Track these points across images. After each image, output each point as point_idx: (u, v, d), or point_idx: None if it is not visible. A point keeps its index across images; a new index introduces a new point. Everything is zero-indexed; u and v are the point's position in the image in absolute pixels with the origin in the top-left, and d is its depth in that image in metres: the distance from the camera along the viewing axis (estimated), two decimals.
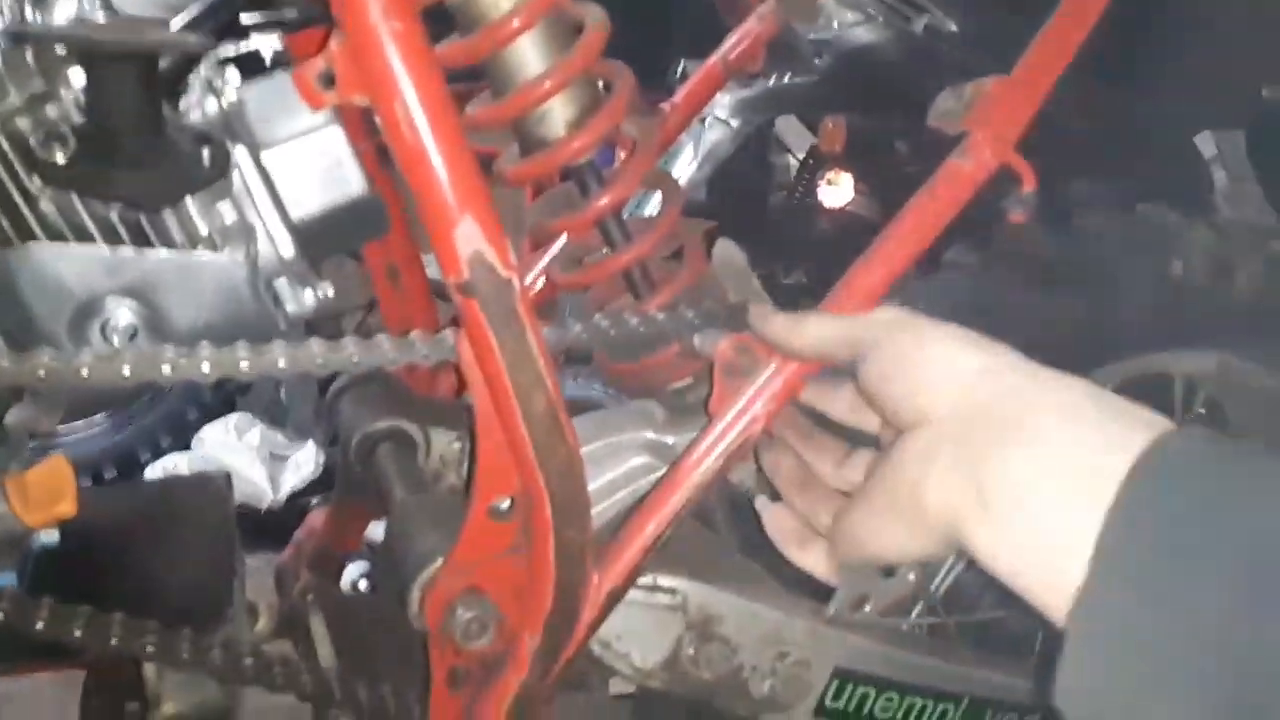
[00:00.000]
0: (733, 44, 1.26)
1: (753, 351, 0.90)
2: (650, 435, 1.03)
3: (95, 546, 0.94)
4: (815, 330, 0.77)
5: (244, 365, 0.76)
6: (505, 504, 0.83)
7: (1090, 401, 0.57)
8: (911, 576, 1.07)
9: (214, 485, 1.06)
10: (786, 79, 2.40)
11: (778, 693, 1.01)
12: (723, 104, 2.33)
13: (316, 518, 1.30)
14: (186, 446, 2.63)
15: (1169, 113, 1.94)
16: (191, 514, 1.02)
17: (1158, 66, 1.83)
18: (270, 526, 1.94)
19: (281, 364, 0.77)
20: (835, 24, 2.29)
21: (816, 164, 2.45)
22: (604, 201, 0.93)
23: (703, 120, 2.32)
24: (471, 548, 0.84)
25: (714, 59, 1.26)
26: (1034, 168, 1.24)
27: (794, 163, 2.61)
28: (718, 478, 0.90)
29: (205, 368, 0.75)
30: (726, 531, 1.18)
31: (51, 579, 0.89)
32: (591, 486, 0.96)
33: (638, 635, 0.97)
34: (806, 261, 2.48)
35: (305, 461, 2.58)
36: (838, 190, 2.44)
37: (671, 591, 0.97)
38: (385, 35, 0.66)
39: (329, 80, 0.68)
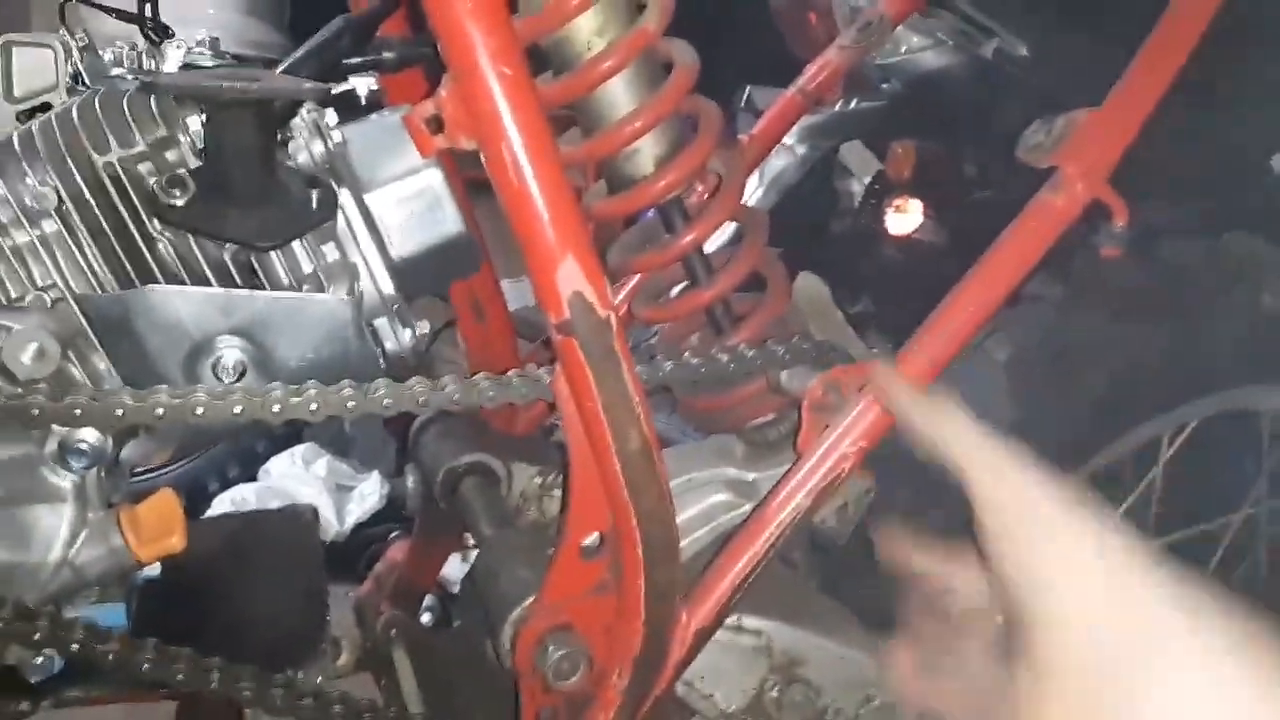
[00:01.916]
0: (811, 75, 1.26)
1: (841, 389, 0.90)
2: (731, 472, 1.03)
3: (194, 583, 0.95)
4: (943, 433, 0.65)
5: (350, 405, 0.78)
6: (596, 541, 0.84)
7: (1227, 650, 0.48)
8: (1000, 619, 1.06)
9: (303, 520, 1.08)
10: (853, 104, 2.40)
11: None
12: (789, 131, 2.33)
13: (397, 551, 1.32)
14: (254, 478, 2.67)
15: (1253, 135, 1.91)
16: (283, 548, 1.03)
17: (1240, 87, 1.80)
18: (336, 557, 1.96)
19: (387, 403, 0.79)
20: (903, 49, 2.29)
21: (884, 190, 2.44)
22: (690, 238, 0.94)
23: None
24: (562, 585, 0.85)
25: (792, 90, 1.26)
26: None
27: (858, 189, 2.60)
28: (807, 517, 0.90)
29: (313, 407, 0.77)
30: (807, 570, 1.17)
31: (154, 616, 0.90)
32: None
33: (722, 676, 0.97)
34: (873, 289, 2.47)
35: (370, 492, 2.60)
36: (905, 217, 2.42)
37: (757, 633, 0.97)
38: (494, 80, 0.67)
39: (438, 124, 0.70)
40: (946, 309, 0.90)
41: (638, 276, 1.10)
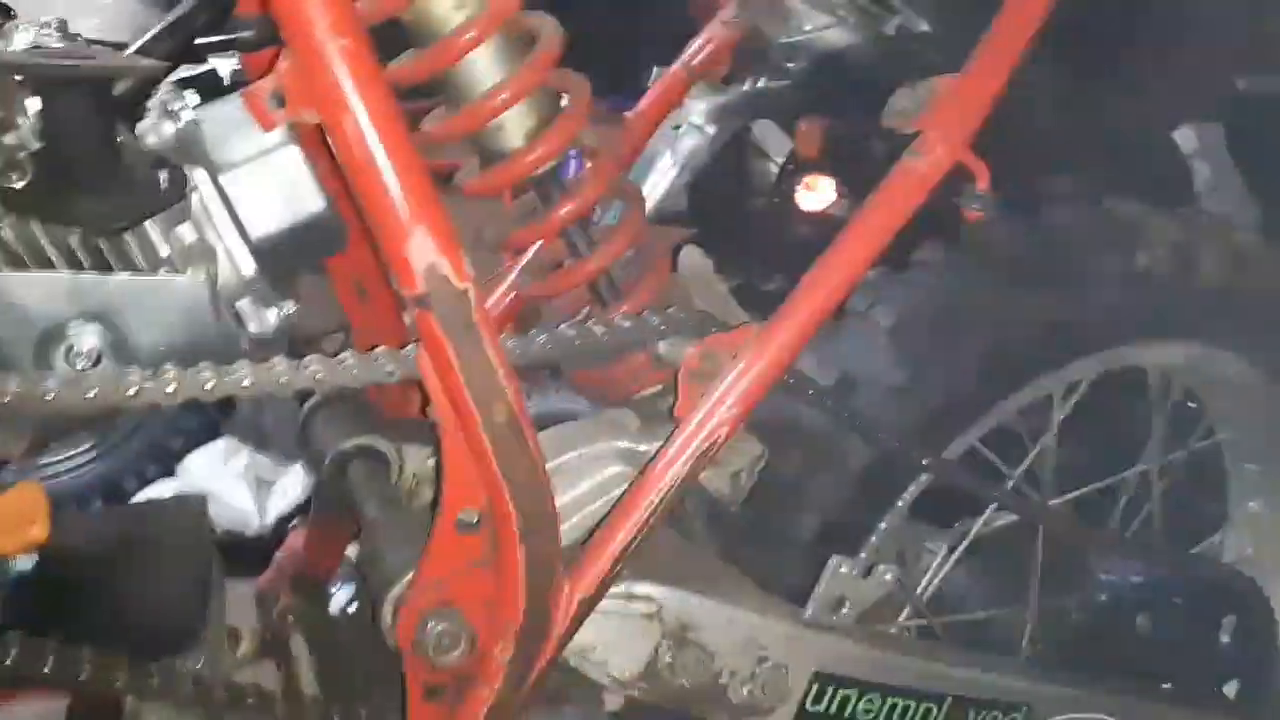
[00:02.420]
0: (696, 50, 1.27)
1: (717, 356, 0.91)
2: (624, 444, 1.03)
3: (71, 574, 0.94)
4: None
5: (208, 386, 0.76)
6: (473, 517, 0.84)
7: None
8: (889, 577, 1.08)
9: (190, 508, 1.06)
10: (760, 84, 2.41)
11: (757, 698, 1.01)
12: (697, 111, 2.34)
13: (296, 539, 1.30)
14: (173, 474, 2.63)
15: (1146, 108, 1.95)
16: (169, 538, 1.02)
17: (1134, 62, 1.84)
18: (258, 552, 1.93)
19: (246, 383, 0.78)
20: (806, 27, 2.30)
21: (795, 169, 2.45)
22: (565, 211, 0.94)
23: (677, 127, 2.33)
24: (440, 561, 0.85)
25: (677, 65, 1.27)
26: (1003, 164, 1.25)
27: (773, 169, 2.62)
28: (687, 483, 0.90)
29: (170, 389, 0.75)
30: (704, 539, 1.18)
31: (27, 608, 0.89)
32: (566, 498, 0.97)
33: (614, 645, 0.97)
34: (788, 266, 2.48)
35: (292, 485, 2.57)
36: (816, 194, 2.44)
37: (647, 599, 0.98)
38: (333, 52, 0.67)
39: (280, 99, 0.69)
40: (816, 274, 0.92)
41: (529, 254, 1.10)
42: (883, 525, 1.21)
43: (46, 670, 0.79)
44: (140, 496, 2.53)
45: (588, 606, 0.89)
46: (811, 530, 1.18)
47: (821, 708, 1.04)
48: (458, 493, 0.82)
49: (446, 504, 0.83)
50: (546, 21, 0.91)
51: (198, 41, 0.86)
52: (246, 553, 1.95)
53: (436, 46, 0.85)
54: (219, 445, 2.69)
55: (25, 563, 0.89)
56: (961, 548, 1.36)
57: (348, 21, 0.67)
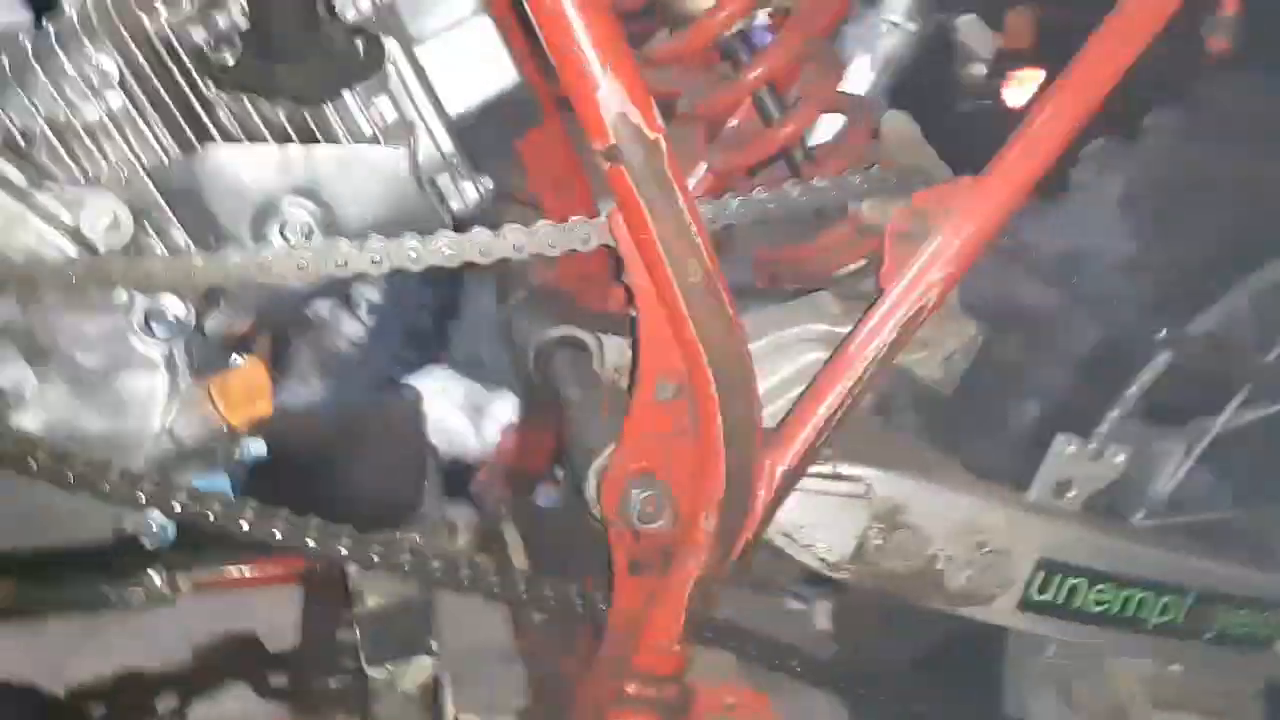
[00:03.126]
0: None
1: (926, 216, 0.85)
2: (824, 327, 0.99)
3: (301, 461, 0.99)
4: None
5: (412, 255, 0.78)
6: (671, 384, 0.82)
7: None
8: (1119, 459, 1.00)
9: (406, 399, 1.11)
10: None
11: (976, 584, 0.96)
12: (894, 7, 2.22)
13: (508, 439, 1.34)
14: None
15: None
16: (387, 424, 1.06)
17: None
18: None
19: (448, 252, 0.79)
20: None
21: (1004, 64, 2.29)
22: (755, 74, 0.90)
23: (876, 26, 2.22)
24: (641, 430, 0.84)
25: None
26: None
27: (980, 70, 2.46)
28: (894, 353, 0.85)
29: (375, 258, 0.77)
30: (918, 429, 1.13)
31: (263, 489, 0.94)
32: (765, 384, 0.94)
33: (822, 526, 0.94)
34: None
35: (505, 411, 2.66)
36: (1027, 90, 2.27)
37: (854, 480, 0.93)
38: None
39: None
40: (1035, 121, 0.84)
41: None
42: (1114, 413, 1.12)
43: (279, 538, 0.83)
44: None
45: (790, 480, 0.86)
46: (1034, 418, 1.11)
47: (1049, 596, 0.97)
48: (655, 359, 0.81)
49: (644, 372, 0.82)
50: None
51: None
52: (464, 477, 2.05)
53: None
54: (436, 373, 2.83)
55: (257, 446, 0.94)
56: (1203, 444, 1.25)
57: None
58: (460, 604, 1.06)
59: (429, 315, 2.77)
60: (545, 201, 1.09)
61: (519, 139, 0.99)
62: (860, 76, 2.30)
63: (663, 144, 0.72)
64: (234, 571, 1.12)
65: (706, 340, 0.78)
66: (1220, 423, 1.25)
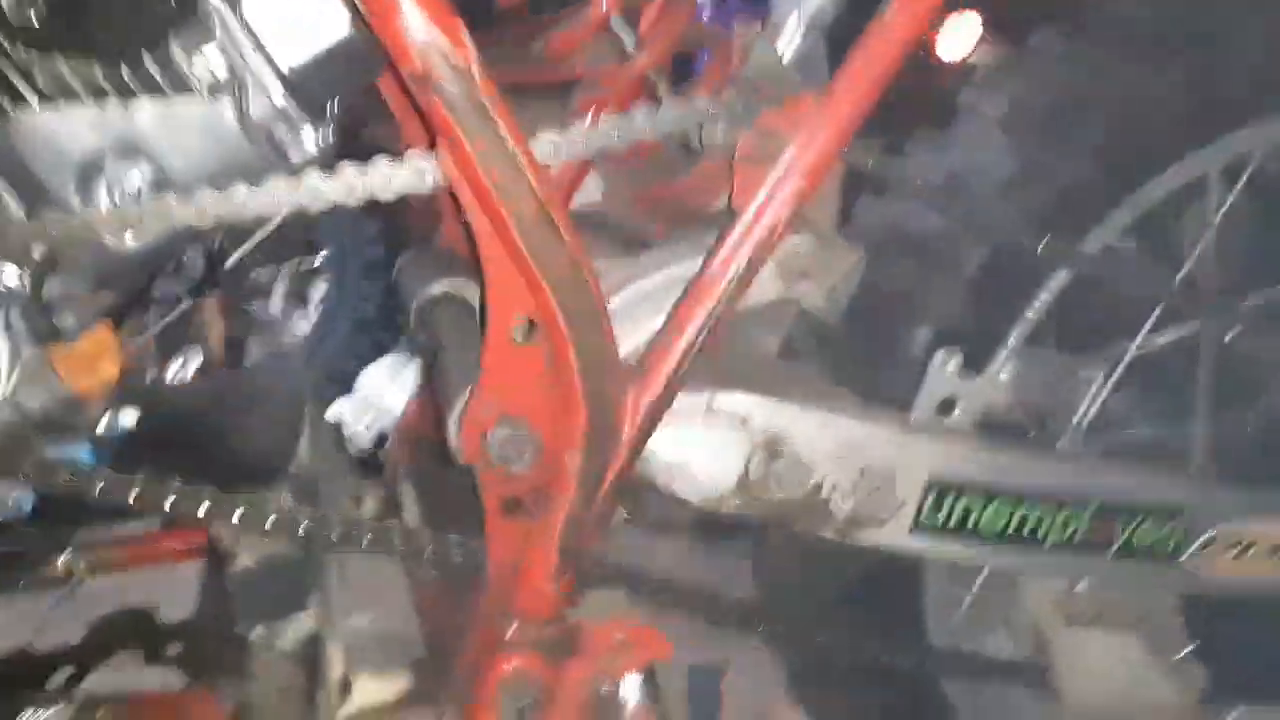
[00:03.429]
0: None
1: (775, 134, 0.83)
2: None
3: (171, 426, 0.98)
4: None
5: (239, 203, 0.76)
6: (523, 324, 0.80)
7: None
8: (1003, 376, 0.99)
9: (288, 363, 1.09)
10: None
11: (865, 510, 0.95)
12: None
13: (411, 407, 1.32)
14: (350, 391, 2.77)
15: None
16: (263, 394, 1.05)
17: None
18: None
19: (278, 199, 0.77)
20: None
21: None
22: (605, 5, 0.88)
23: None
24: (498, 372, 0.82)
25: None
26: None
27: None
28: (750, 274, 0.84)
29: (204, 209, 0.76)
30: (816, 363, 1.12)
31: (130, 457, 0.93)
32: (655, 321, 0.92)
33: (702, 459, 0.93)
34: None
35: None
36: (958, 38, 2.24)
37: (732, 411, 0.92)
38: None
39: None
40: (873, 30, 0.82)
41: None
42: (1013, 336, 1.11)
43: (135, 499, 0.82)
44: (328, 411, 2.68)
45: (655, 412, 0.84)
46: (926, 345, 1.09)
47: (940, 518, 0.96)
48: (502, 298, 0.79)
49: (493, 312, 0.80)
50: None
51: None
52: None
53: None
54: (387, 360, 2.81)
55: (127, 417, 0.93)
56: (1121, 367, 1.23)
57: None
58: (353, 564, 1.05)
59: (375, 305, 2.75)
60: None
61: (362, 88, 0.97)
62: (789, 35, 2.28)
63: (475, 70, 0.70)
64: (131, 550, 1.11)
65: (548, 273, 0.76)
66: (1134, 346, 1.23)
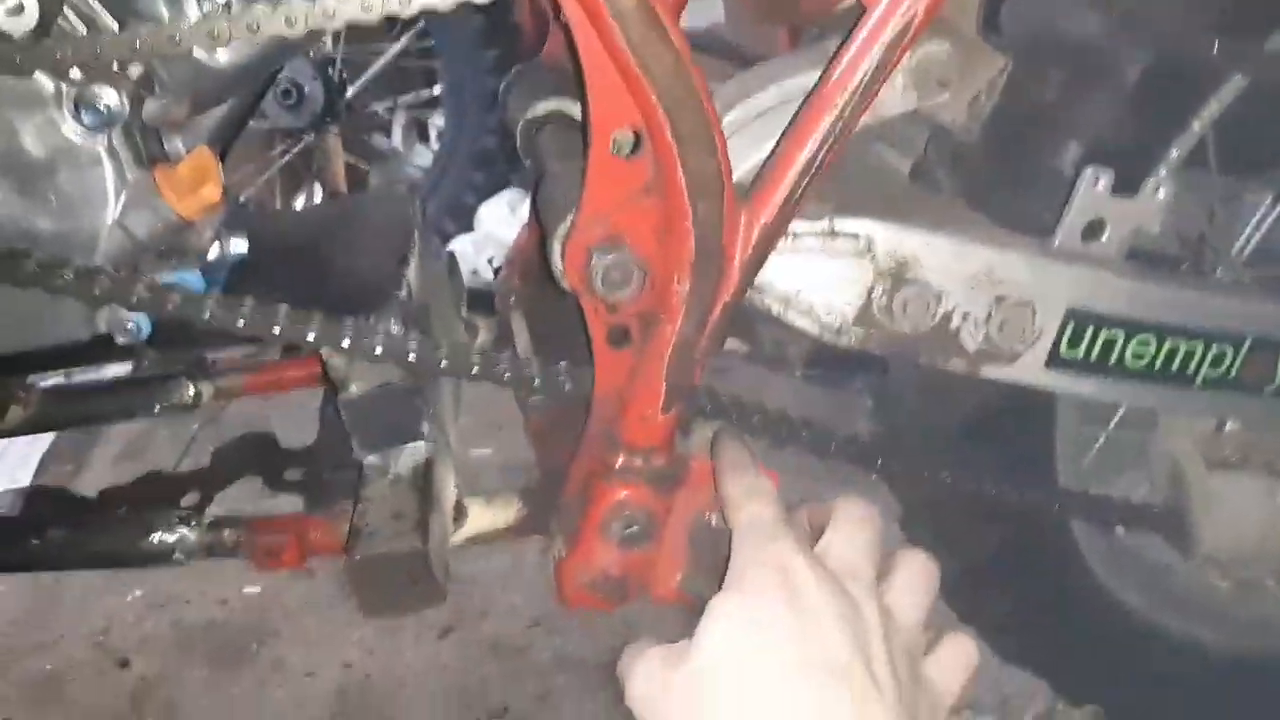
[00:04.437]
0: None
1: None
2: None
3: (281, 255, 0.97)
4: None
5: (329, 11, 0.72)
6: (627, 136, 0.75)
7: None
8: (1161, 194, 0.89)
9: (396, 195, 1.07)
10: None
11: (996, 342, 0.88)
12: None
13: (521, 234, 1.29)
14: (471, 228, 2.77)
15: None
16: (375, 223, 1.03)
17: None
18: None
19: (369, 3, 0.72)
20: None
21: None
22: None
23: None
24: (601, 191, 0.77)
25: None
26: None
27: None
28: (877, 83, 0.76)
29: (291, 18, 0.72)
30: (950, 187, 1.04)
31: (241, 284, 0.92)
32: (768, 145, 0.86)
33: (821, 288, 0.87)
34: None
35: None
36: None
37: (853, 236, 0.86)
38: None
39: None
40: None
41: None
42: (1174, 153, 1.00)
43: (243, 323, 0.81)
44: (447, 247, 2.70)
45: (770, 237, 0.78)
46: (1076, 164, 0.99)
47: (1079, 352, 0.89)
48: (605, 108, 0.74)
49: (595, 124, 0.75)
50: None
51: None
52: None
53: None
54: (505, 195, 2.79)
55: (238, 244, 0.92)
56: None
57: None
58: (468, 393, 1.05)
59: (495, 138, 2.72)
60: None
61: None
62: None
63: None
64: (252, 377, 1.13)
65: (654, 79, 0.70)
66: None
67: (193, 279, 0.87)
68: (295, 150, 2.93)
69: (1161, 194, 0.87)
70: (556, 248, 0.80)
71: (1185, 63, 0.95)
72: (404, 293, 0.91)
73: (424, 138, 3.18)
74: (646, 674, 0.60)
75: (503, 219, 2.75)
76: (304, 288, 0.93)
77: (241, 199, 2.72)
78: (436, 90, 2.97)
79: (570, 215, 0.80)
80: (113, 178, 0.80)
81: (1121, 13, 0.94)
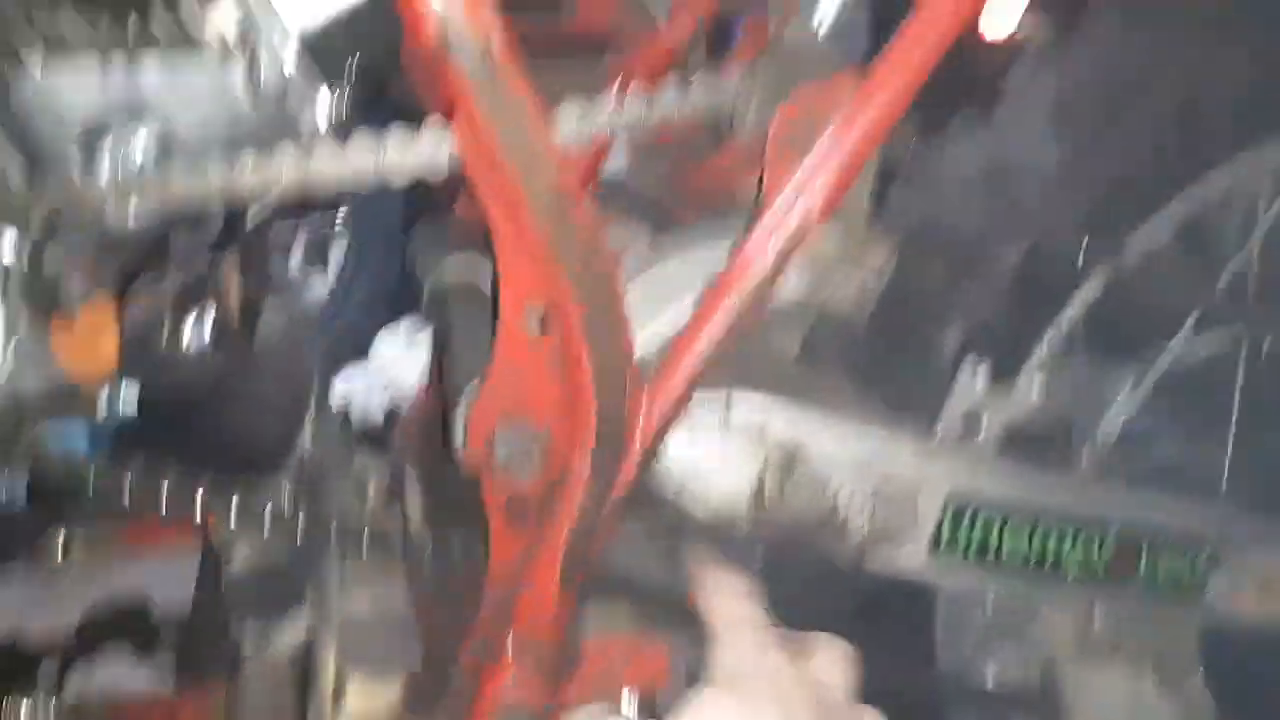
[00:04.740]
0: None
1: (809, 116, 0.78)
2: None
3: (174, 407, 0.94)
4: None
5: (247, 178, 0.72)
6: (535, 314, 0.76)
7: None
8: (1035, 387, 0.94)
9: (296, 346, 1.05)
10: None
11: (881, 526, 0.90)
12: None
13: (421, 391, 1.28)
14: (365, 356, 2.74)
15: None
16: (271, 375, 1.01)
17: None
18: None
19: (290, 173, 0.73)
20: None
21: None
22: None
23: None
24: (507, 366, 0.78)
25: None
26: None
27: None
28: (779, 268, 0.79)
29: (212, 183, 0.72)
30: (836, 366, 1.07)
31: (128, 440, 0.89)
32: (680, 307, 0.88)
33: (715, 471, 0.88)
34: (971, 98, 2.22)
35: None
36: (1001, 16, 2.15)
37: (748, 418, 0.88)
38: None
39: None
40: (920, 11, 0.77)
41: None
42: (1046, 340, 1.05)
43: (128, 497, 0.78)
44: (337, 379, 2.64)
45: (670, 416, 0.80)
46: (957, 349, 1.04)
47: (959, 537, 0.91)
48: (516, 286, 0.75)
49: (506, 300, 0.76)
50: None
51: None
52: None
53: None
54: (402, 326, 2.77)
55: (130, 402, 0.89)
56: (1151, 378, 1.18)
57: None
58: (354, 562, 1.01)
59: (396, 269, 2.71)
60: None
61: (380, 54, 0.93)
62: (829, 5, 2.22)
63: (494, 42, 0.65)
64: (131, 534, 1.07)
65: (565, 263, 0.72)
66: (1170, 353, 1.18)
67: (78, 437, 0.84)
68: (190, 274, 2.87)
69: (1036, 387, 0.91)
70: (459, 422, 0.80)
71: (1058, 256, 1.01)
72: (296, 456, 0.89)
73: (324, 262, 3.15)
74: None
75: (398, 349, 2.72)
76: (196, 443, 0.90)
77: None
78: (340, 215, 2.97)
79: (474, 389, 0.80)
80: (2, 332, 0.77)
81: (999, 208, 1.01)
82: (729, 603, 0.68)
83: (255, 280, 2.81)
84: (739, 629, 0.66)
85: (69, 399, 0.83)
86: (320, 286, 2.91)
